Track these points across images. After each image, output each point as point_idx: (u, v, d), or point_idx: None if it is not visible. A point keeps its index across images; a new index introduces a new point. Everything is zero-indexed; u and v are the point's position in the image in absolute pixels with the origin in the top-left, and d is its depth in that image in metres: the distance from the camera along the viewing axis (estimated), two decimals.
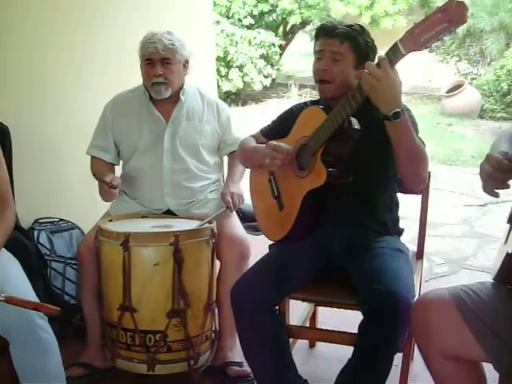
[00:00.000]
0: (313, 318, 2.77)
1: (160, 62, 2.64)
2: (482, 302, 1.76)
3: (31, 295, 2.04)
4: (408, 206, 2.63)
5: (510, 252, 1.66)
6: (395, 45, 1.79)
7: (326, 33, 2.19)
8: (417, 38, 1.73)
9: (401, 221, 2.39)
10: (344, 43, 2.16)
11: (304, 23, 14.77)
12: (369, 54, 2.21)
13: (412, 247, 2.58)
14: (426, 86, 13.81)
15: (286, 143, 2.20)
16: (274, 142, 2.19)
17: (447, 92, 10.96)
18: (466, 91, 10.65)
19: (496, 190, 1.58)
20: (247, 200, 2.69)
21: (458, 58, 12.40)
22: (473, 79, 11.89)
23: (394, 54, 1.80)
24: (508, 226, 1.77)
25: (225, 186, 2.82)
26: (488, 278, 3.91)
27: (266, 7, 13.09)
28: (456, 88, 10.77)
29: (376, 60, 1.86)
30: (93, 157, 2.85)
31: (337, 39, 2.16)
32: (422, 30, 1.72)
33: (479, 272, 4.13)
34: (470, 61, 12.43)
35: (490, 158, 1.58)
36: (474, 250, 4.56)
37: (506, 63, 9.72)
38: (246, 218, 3.83)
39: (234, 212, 2.86)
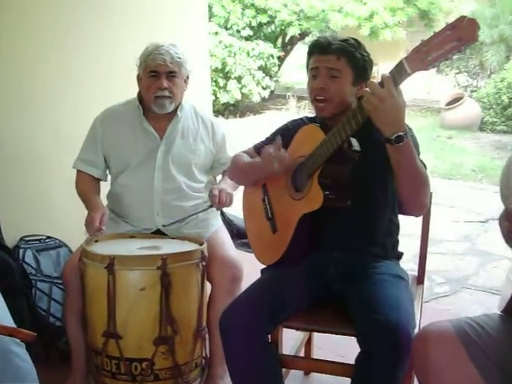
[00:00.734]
0: (308, 343, 2.65)
1: (166, 75, 2.54)
2: (487, 335, 1.65)
3: (7, 319, 1.92)
4: (408, 221, 2.51)
5: None
6: (400, 63, 1.66)
7: (321, 49, 2.07)
8: (424, 57, 1.60)
9: (400, 237, 2.27)
10: (341, 59, 2.04)
11: (303, 35, 14.75)
12: (366, 69, 2.10)
13: (412, 265, 2.47)
14: (425, 99, 13.77)
15: None
16: (271, 147, 2.06)
17: (447, 104, 10.92)
18: (465, 104, 10.62)
19: None
20: (241, 216, 2.57)
21: (457, 71, 12.37)
22: (472, 92, 11.87)
23: (399, 73, 1.67)
24: None
25: (217, 184, 2.70)
26: (490, 299, 3.82)
27: (264, 18, 13.04)
28: (456, 100, 10.74)
29: (379, 78, 1.74)
30: (79, 171, 2.73)
31: (333, 55, 2.05)
32: (429, 48, 1.59)
33: (481, 292, 4.01)
34: (469, 73, 12.40)
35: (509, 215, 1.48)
36: (476, 269, 4.44)
37: (507, 76, 9.67)
38: (240, 235, 3.71)
39: (227, 233, 2.75)
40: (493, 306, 3.59)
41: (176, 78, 2.57)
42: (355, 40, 2.10)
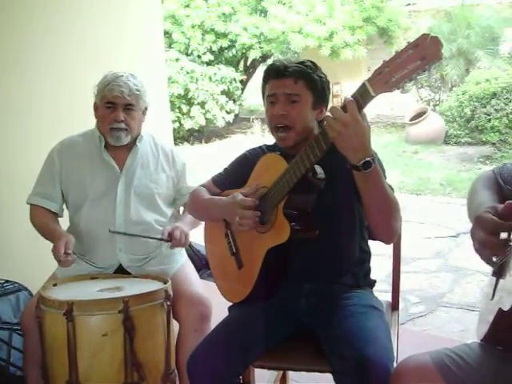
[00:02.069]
0: (283, 378, 2.53)
1: (122, 107, 2.45)
2: (468, 367, 1.56)
3: None
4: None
5: (506, 309, 1.45)
6: (363, 86, 1.57)
7: (278, 73, 1.98)
8: (387, 78, 1.52)
9: (372, 257, 2.18)
10: (298, 82, 1.95)
11: (264, 57, 14.82)
12: (325, 91, 2.02)
13: (385, 286, 2.38)
14: (388, 115, 13.89)
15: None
16: (241, 197, 1.95)
17: (411, 120, 11.01)
18: (429, 118, 10.74)
19: (494, 259, 1.40)
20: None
21: (419, 85, 12.48)
22: (435, 105, 12.01)
23: (363, 97, 1.57)
24: (493, 279, 1.58)
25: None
26: (467, 316, 3.76)
27: (225, 43, 13.09)
28: (419, 115, 10.84)
29: (342, 97, 1.65)
30: (34, 206, 2.59)
31: (290, 79, 1.96)
32: (392, 69, 1.51)
33: (457, 309, 3.97)
34: (431, 87, 12.55)
35: (480, 221, 1.40)
36: (450, 286, 4.40)
37: (468, 89, 9.76)
38: (209, 265, 3.59)
39: (193, 269, 2.65)
40: (469, 323, 3.58)
41: (133, 111, 2.48)
42: (311, 62, 2.02)
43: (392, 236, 1.91)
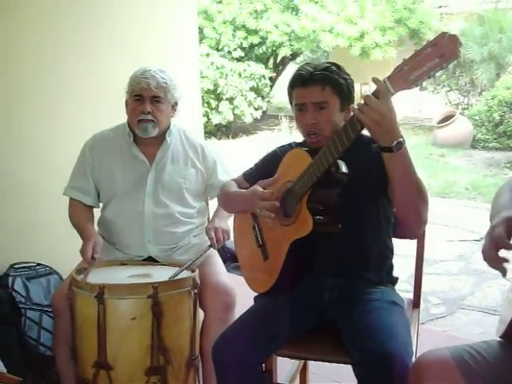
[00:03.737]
0: (304, 370, 2.59)
1: (150, 100, 2.50)
2: (487, 363, 1.59)
3: None
4: (403, 241, 2.47)
5: None
6: (383, 83, 1.63)
7: (304, 81, 2.02)
8: (407, 76, 1.57)
9: (395, 258, 2.22)
10: (326, 88, 2.00)
11: (294, 55, 14.85)
12: (351, 92, 2.07)
13: (407, 286, 2.42)
14: (416, 117, 13.84)
15: (270, 189, 2.07)
16: (260, 190, 2.04)
17: (439, 122, 10.96)
18: (457, 121, 10.67)
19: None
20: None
21: (448, 88, 12.43)
22: (464, 109, 11.93)
23: (382, 94, 1.64)
24: None
25: (210, 221, 2.66)
26: (487, 319, 3.78)
27: (255, 39, 13.12)
28: (447, 118, 10.78)
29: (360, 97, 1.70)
30: (71, 199, 2.68)
31: (317, 86, 2.00)
32: (411, 67, 1.56)
33: (477, 312, 3.99)
34: (460, 91, 12.48)
35: (491, 232, 1.51)
36: (472, 289, 4.42)
37: (498, 93, 9.71)
38: (233, 258, 3.66)
39: (219, 258, 2.71)
40: (489, 326, 3.60)
41: (160, 104, 2.53)
42: (335, 65, 2.06)
43: (420, 224, 1.94)
